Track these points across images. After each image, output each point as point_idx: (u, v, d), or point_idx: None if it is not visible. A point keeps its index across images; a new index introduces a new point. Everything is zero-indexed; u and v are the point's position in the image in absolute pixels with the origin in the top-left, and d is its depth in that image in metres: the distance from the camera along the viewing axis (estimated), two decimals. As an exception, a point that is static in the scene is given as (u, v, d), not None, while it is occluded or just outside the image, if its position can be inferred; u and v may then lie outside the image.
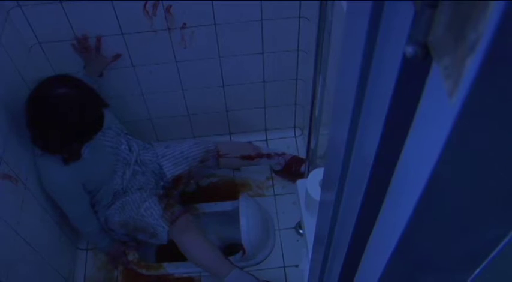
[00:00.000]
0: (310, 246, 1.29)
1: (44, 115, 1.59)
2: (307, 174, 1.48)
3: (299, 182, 1.52)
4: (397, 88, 0.37)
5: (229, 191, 2.28)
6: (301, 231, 2.09)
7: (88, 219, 1.91)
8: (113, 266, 2.11)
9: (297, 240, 2.11)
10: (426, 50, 0.32)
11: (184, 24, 1.85)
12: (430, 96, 0.34)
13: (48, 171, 1.74)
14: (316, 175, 1.36)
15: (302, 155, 2.27)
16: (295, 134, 2.45)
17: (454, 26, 0.29)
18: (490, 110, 0.29)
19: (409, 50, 0.33)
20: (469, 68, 0.27)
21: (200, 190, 2.28)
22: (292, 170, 2.21)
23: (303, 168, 2.15)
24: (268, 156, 2.18)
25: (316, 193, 1.33)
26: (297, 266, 2.04)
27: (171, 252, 1.94)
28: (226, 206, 2.22)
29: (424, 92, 0.35)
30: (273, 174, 2.31)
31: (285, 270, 2.06)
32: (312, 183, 1.35)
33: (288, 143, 2.42)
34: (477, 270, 0.45)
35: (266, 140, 2.44)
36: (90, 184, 1.83)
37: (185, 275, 2.07)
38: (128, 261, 2.08)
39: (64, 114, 1.60)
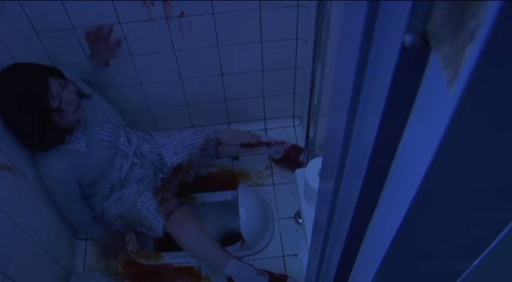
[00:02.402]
0: (309, 236, 1.28)
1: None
2: (306, 164, 1.48)
3: (298, 171, 1.51)
4: (396, 77, 0.37)
5: (228, 180, 2.28)
6: (300, 220, 2.09)
7: (76, 209, 1.90)
8: (107, 255, 2.12)
9: (296, 230, 2.12)
10: (425, 38, 0.32)
11: (183, 13, 1.84)
12: (429, 85, 0.34)
13: (46, 161, 1.73)
14: (315, 164, 1.36)
15: (301, 144, 2.26)
16: (294, 123, 2.45)
17: (454, 13, 0.28)
18: (490, 99, 0.28)
19: (408, 38, 0.32)
20: (469, 56, 0.27)
21: (199, 180, 2.28)
22: (291, 159, 2.21)
23: (302, 157, 2.15)
24: (268, 144, 2.18)
25: (315, 182, 1.33)
26: (296, 255, 2.04)
27: (171, 242, 1.95)
28: (225, 195, 2.22)
29: (423, 81, 0.35)
30: (272, 163, 2.31)
31: (284, 259, 2.06)
32: (311, 172, 1.35)
33: (287, 132, 2.42)
34: (476, 261, 0.45)
35: (265, 129, 2.43)
36: (87, 177, 1.82)
37: (184, 265, 2.08)
38: (120, 252, 2.09)
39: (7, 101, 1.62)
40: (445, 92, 0.30)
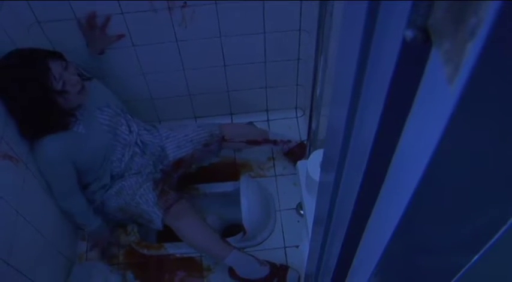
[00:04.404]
0: (310, 227, 1.29)
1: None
2: (308, 156, 1.48)
3: (300, 163, 1.52)
4: (397, 72, 0.37)
5: (230, 171, 2.29)
6: (301, 211, 2.10)
7: (71, 196, 1.86)
8: (97, 248, 2.10)
9: (298, 221, 2.12)
10: (426, 34, 0.32)
11: (185, 3, 1.83)
12: (430, 81, 0.34)
13: (41, 143, 1.71)
14: (317, 156, 1.36)
15: (304, 135, 2.26)
16: (297, 115, 2.45)
17: (455, 9, 0.28)
18: (490, 96, 0.29)
19: (409, 33, 0.32)
20: (469, 53, 0.27)
21: (201, 171, 2.28)
22: (296, 156, 2.20)
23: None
24: (275, 142, 2.18)
25: (316, 174, 1.33)
26: (297, 246, 2.05)
27: (173, 232, 1.95)
28: (227, 186, 2.22)
29: (424, 77, 0.35)
30: (275, 155, 2.31)
31: (285, 250, 2.07)
32: (313, 164, 1.35)
33: (290, 123, 2.42)
34: (475, 257, 0.45)
35: (267, 120, 2.43)
36: (83, 161, 1.79)
37: (186, 256, 2.08)
38: (108, 251, 2.09)
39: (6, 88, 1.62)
40: (445, 88, 0.30)
